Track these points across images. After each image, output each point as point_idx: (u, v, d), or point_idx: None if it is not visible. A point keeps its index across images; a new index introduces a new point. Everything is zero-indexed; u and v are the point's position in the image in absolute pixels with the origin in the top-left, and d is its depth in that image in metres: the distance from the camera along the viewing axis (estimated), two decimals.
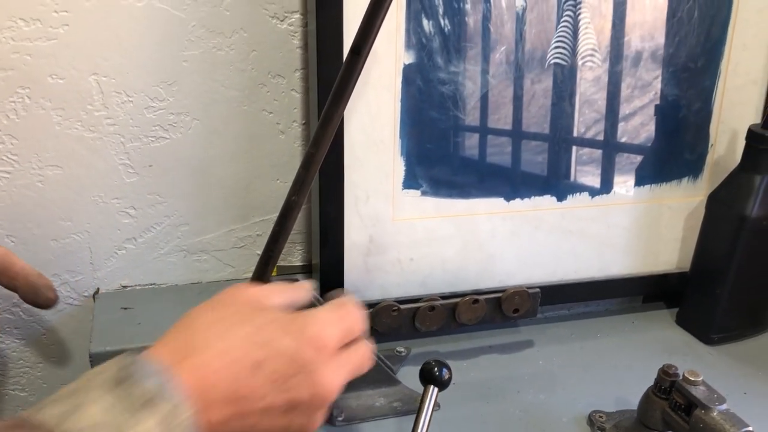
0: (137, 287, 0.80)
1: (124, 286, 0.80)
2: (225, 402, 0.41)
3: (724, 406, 0.58)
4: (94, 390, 0.36)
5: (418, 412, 0.54)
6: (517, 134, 0.76)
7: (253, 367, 0.42)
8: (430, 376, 0.54)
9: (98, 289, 0.79)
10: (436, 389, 0.55)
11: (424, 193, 0.75)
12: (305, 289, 0.52)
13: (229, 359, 0.41)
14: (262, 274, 0.58)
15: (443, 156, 0.75)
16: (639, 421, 0.65)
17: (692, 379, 0.60)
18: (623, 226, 0.83)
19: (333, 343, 0.45)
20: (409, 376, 0.71)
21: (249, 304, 0.46)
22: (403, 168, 0.74)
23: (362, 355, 0.48)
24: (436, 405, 0.67)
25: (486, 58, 0.72)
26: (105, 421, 0.34)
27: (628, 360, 0.78)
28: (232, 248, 0.82)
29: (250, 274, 0.57)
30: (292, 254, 0.84)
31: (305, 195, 0.55)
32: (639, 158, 0.82)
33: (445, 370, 0.55)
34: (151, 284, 0.81)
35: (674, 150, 0.82)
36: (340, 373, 0.46)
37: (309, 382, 0.43)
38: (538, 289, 0.77)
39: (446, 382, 0.55)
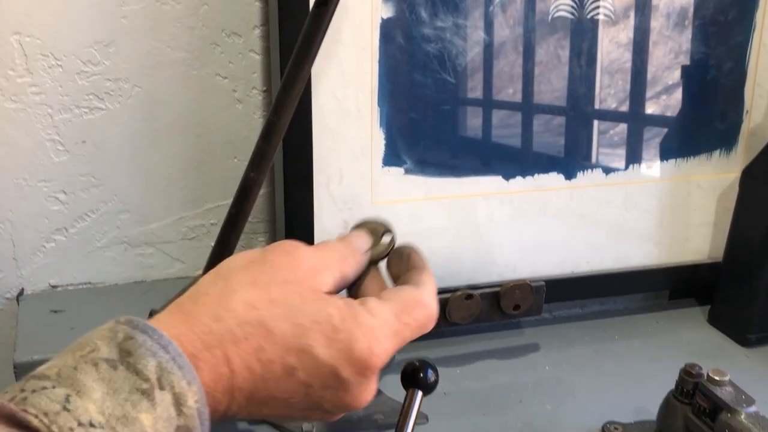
0: (69, 287, 0.83)
1: (54, 286, 0.82)
2: (246, 398, 0.45)
3: (753, 408, 0.62)
4: (87, 372, 0.37)
5: (401, 419, 0.55)
6: (517, 101, 0.80)
7: (285, 373, 0.45)
8: (413, 377, 0.56)
9: (23, 289, 0.81)
10: (420, 393, 0.56)
11: (408, 171, 0.78)
12: (359, 252, 0.52)
13: (259, 358, 0.44)
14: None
15: (430, 127, 0.78)
16: (659, 431, 0.69)
17: (717, 378, 0.64)
18: (644, 209, 0.87)
19: (380, 363, 0.47)
20: (391, 385, 0.73)
21: (297, 283, 0.47)
22: (383, 141, 0.77)
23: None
24: (423, 417, 0.71)
25: (479, 11, 0.76)
26: (99, 421, 0.35)
27: (651, 365, 0.82)
28: (182, 240, 0.84)
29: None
30: (253, 246, 0.87)
31: (266, 171, 0.58)
32: (662, 128, 0.85)
33: (430, 371, 0.56)
34: (86, 283, 0.83)
35: (703, 118, 0.86)
36: (374, 388, 0.49)
37: (338, 397, 0.47)
38: (542, 283, 0.79)
39: (432, 385, 0.56)
